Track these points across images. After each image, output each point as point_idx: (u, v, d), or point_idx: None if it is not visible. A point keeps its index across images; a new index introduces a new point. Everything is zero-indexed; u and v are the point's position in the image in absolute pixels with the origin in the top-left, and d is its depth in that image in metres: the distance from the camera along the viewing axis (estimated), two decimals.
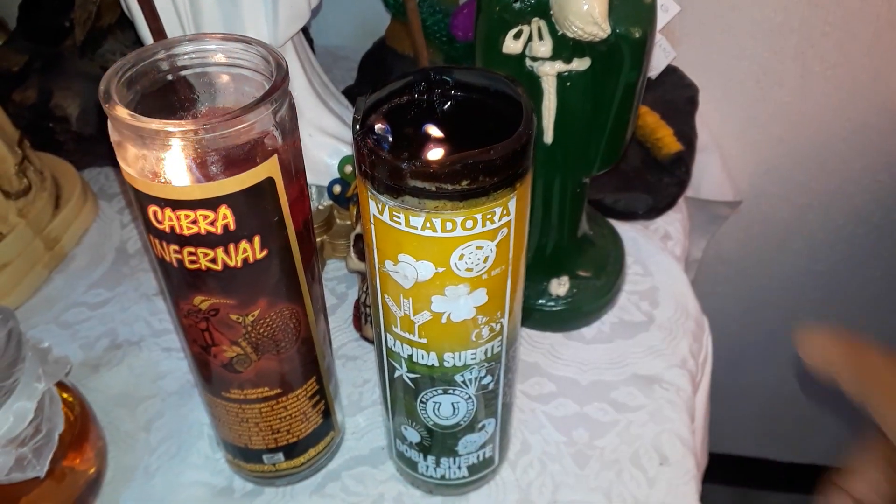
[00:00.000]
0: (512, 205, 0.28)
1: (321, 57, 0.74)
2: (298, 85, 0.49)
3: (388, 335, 0.33)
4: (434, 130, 0.29)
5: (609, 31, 0.37)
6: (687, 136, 0.58)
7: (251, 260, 0.30)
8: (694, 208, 0.77)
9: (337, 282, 0.52)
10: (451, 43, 0.59)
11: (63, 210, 0.55)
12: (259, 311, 0.32)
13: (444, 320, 0.31)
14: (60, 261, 0.55)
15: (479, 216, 0.27)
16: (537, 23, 0.39)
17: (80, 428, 0.39)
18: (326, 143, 0.51)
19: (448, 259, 0.28)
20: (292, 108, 0.30)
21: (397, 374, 0.34)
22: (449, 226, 0.27)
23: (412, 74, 0.30)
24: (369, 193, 0.28)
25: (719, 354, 0.99)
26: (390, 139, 0.29)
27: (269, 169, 0.29)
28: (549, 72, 0.40)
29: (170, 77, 0.30)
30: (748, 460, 1.13)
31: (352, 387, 0.45)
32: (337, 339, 0.48)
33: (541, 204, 0.45)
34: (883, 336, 0.91)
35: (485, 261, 0.29)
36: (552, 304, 0.47)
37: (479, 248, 0.28)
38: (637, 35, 0.37)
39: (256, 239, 0.30)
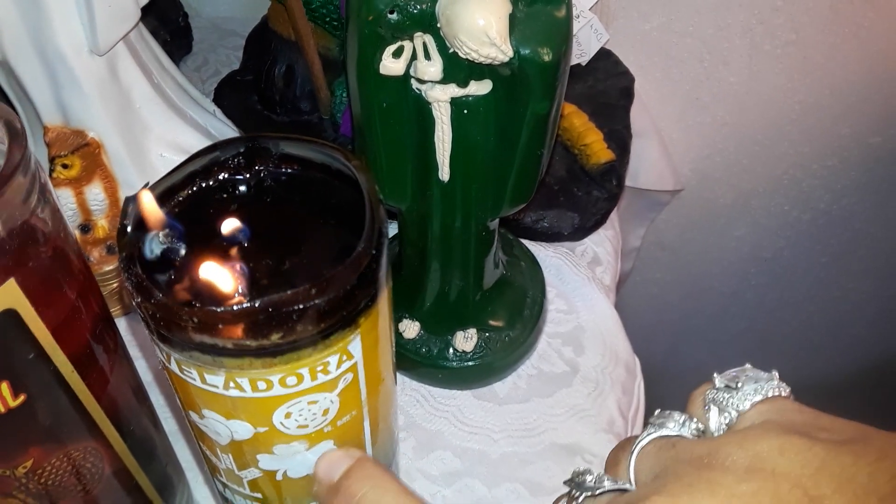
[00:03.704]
0: (355, 347, 0.20)
1: (204, 33, 0.63)
2: (141, 95, 0.39)
3: (216, 481, 0.25)
4: (246, 238, 0.20)
5: (511, 53, 0.29)
6: (620, 137, 0.50)
7: (2, 410, 0.22)
8: (632, 196, 0.71)
9: None
10: (344, 27, 0.49)
11: None
12: (32, 461, 0.24)
13: (279, 477, 0.23)
14: None
15: (304, 371, 0.19)
16: (422, 38, 0.30)
17: None
18: None
19: (270, 419, 0.20)
20: (44, 189, 0.21)
21: None
22: (263, 385, 0.19)
23: (220, 147, 0.21)
24: (149, 336, 0.20)
25: (659, 339, 0.94)
26: (180, 254, 0.20)
27: (6, 299, 0.20)
28: (440, 97, 0.31)
29: None
30: None
31: None
32: None
33: (439, 247, 0.37)
34: (826, 321, 0.87)
35: (324, 413, 0.21)
36: (458, 361, 0.40)
37: (312, 402, 0.20)
38: (547, 58, 0.29)
39: (3, 386, 0.21)
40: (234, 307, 0.17)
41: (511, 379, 0.42)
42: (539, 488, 0.37)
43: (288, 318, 0.18)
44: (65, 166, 0.38)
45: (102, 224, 0.41)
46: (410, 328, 0.40)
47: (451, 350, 0.40)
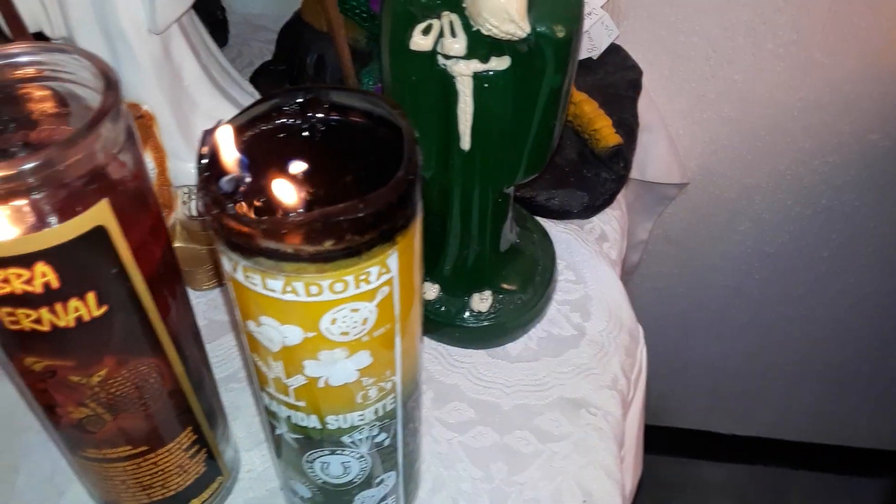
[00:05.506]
0: (392, 261, 0.23)
1: (238, 28, 0.68)
2: (190, 73, 0.43)
3: (263, 394, 0.29)
4: (301, 171, 0.24)
5: (528, 29, 0.32)
6: (628, 125, 0.53)
7: (86, 318, 0.25)
8: (640, 189, 0.74)
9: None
10: (372, 20, 0.53)
11: None
12: (106, 370, 0.27)
13: (321, 384, 0.26)
14: None
15: (350, 278, 0.23)
16: (448, 17, 0.34)
17: None
18: None
19: (317, 324, 0.24)
20: (130, 133, 0.25)
21: (278, 432, 0.30)
22: (314, 290, 0.23)
23: (279, 96, 0.25)
24: (219, 248, 0.23)
25: (665, 331, 0.97)
26: (246, 181, 0.24)
27: (98, 216, 0.23)
28: (464, 71, 0.35)
29: None
30: (690, 432, 1.13)
31: (252, 415, 0.41)
32: (234, 363, 0.43)
33: (459, 213, 0.41)
34: (828, 315, 0.89)
35: (363, 322, 0.24)
36: (474, 320, 0.43)
37: (354, 310, 0.24)
38: (560, 35, 0.33)
39: (90, 296, 0.25)
40: (296, 216, 0.21)
41: (522, 340, 0.45)
42: (547, 436, 0.41)
43: (339, 228, 0.21)
44: None
45: None
46: (431, 290, 0.44)
47: (467, 311, 0.43)
